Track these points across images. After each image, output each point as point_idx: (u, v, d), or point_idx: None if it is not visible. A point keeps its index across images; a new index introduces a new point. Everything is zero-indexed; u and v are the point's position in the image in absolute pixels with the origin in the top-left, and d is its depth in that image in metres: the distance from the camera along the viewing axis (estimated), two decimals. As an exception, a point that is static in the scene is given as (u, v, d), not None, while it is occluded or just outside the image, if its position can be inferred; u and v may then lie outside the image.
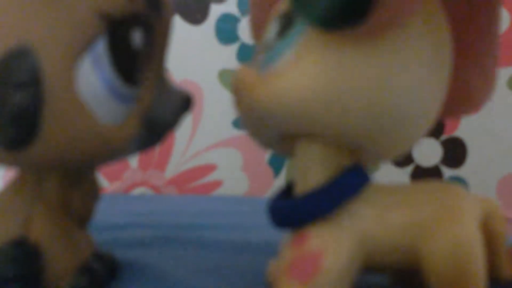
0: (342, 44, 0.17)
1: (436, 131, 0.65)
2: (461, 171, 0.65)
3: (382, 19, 0.16)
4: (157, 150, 0.67)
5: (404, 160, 0.66)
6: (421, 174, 0.66)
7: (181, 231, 0.36)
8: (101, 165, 0.23)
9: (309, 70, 0.17)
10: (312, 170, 0.19)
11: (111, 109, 0.20)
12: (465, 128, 0.64)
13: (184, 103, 0.23)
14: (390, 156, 0.20)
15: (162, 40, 0.22)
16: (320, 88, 0.17)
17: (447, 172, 0.65)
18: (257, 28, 0.22)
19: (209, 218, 0.43)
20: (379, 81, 0.17)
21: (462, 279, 0.17)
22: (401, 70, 0.17)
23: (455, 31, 0.19)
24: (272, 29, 0.19)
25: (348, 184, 0.19)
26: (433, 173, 0.66)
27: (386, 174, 0.65)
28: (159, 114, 0.22)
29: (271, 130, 0.19)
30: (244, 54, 0.65)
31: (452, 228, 0.18)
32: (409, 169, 0.66)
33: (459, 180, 0.64)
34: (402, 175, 0.66)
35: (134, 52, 0.20)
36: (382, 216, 0.19)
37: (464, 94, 0.21)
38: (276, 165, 0.68)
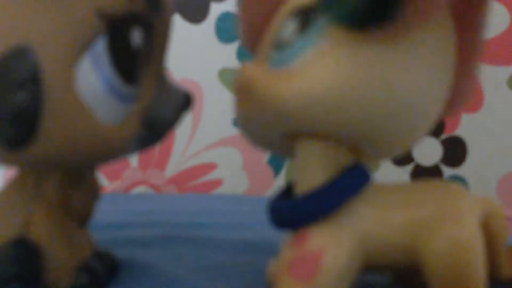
0: (365, 43, 0.17)
1: (436, 130, 0.65)
2: (461, 170, 0.65)
3: (411, 17, 0.16)
4: (157, 149, 0.67)
5: (404, 159, 0.66)
6: (421, 173, 0.66)
7: (181, 230, 0.36)
8: (101, 165, 0.23)
9: (331, 69, 0.17)
10: (312, 170, 0.19)
11: (111, 109, 0.20)
12: (465, 127, 0.64)
13: (184, 102, 0.23)
14: (391, 155, 0.20)
15: (162, 40, 0.22)
16: (341, 87, 0.17)
17: (447, 171, 0.65)
18: (251, 29, 0.22)
19: (209, 217, 0.43)
20: (397, 81, 0.17)
21: (462, 279, 0.17)
22: (415, 71, 0.17)
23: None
24: (287, 26, 0.19)
25: (349, 183, 0.19)
26: (433, 172, 0.66)
27: (386, 173, 0.65)
28: (159, 113, 0.22)
29: (277, 128, 0.19)
30: (244, 53, 0.65)
31: (452, 228, 0.18)
32: (409, 168, 0.66)
33: (459, 179, 0.64)
34: (402, 174, 0.66)
35: (134, 51, 0.20)
36: (382, 216, 0.19)
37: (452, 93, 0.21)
38: (276, 164, 0.68)
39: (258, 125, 0.19)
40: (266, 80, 0.18)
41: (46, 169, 0.22)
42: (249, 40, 0.22)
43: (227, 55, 0.66)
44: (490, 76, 0.58)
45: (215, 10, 0.67)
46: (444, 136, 0.65)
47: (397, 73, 0.17)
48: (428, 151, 0.66)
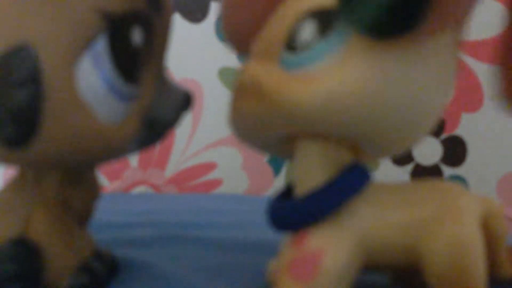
0: (386, 50, 0.17)
1: (436, 130, 0.65)
2: (461, 170, 0.65)
3: (433, 26, 0.15)
4: (157, 148, 0.67)
5: (404, 159, 0.66)
6: (421, 172, 0.66)
7: (181, 229, 0.36)
8: (101, 164, 0.23)
9: (352, 75, 0.17)
10: (311, 170, 0.19)
11: (111, 108, 0.20)
12: (465, 127, 0.64)
13: (184, 101, 0.23)
14: (391, 154, 0.20)
15: (162, 39, 0.22)
16: (361, 92, 0.17)
17: (447, 171, 0.66)
18: (241, 27, 0.21)
19: (209, 216, 0.43)
20: (413, 87, 0.17)
21: (462, 279, 0.17)
22: (429, 75, 0.18)
23: None
24: (304, 28, 0.18)
25: (348, 183, 0.19)
26: (433, 172, 0.66)
27: (386, 173, 0.65)
28: (159, 112, 0.22)
29: (284, 129, 0.19)
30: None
31: (452, 228, 0.18)
32: (409, 167, 0.66)
33: (459, 179, 0.64)
34: (402, 173, 0.66)
35: (134, 50, 0.20)
36: (382, 216, 0.19)
37: None
38: (275, 164, 0.68)
39: (263, 125, 0.19)
40: (280, 82, 0.18)
41: (46, 169, 0.22)
42: (237, 37, 0.22)
43: (227, 54, 0.66)
44: (490, 75, 0.58)
45: (215, 9, 0.67)
46: (444, 135, 0.65)
47: (414, 78, 0.17)
48: (428, 151, 0.66)
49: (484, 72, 0.63)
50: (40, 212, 0.21)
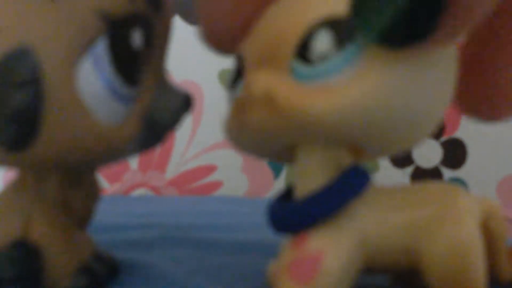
0: (404, 62, 0.17)
1: (436, 132, 0.65)
2: (461, 172, 0.65)
3: (445, 35, 0.15)
4: (157, 151, 0.67)
5: (404, 161, 0.66)
6: (421, 175, 0.66)
7: (181, 232, 0.36)
8: (102, 166, 0.23)
9: (375, 86, 0.17)
10: (312, 172, 0.19)
11: (111, 109, 0.20)
12: (465, 129, 0.64)
13: (184, 103, 0.23)
14: (391, 154, 0.20)
15: (163, 41, 0.22)
16: (384, 104, 0.17)
17: (447, 173, 0.65)
18: (225, 32, 0.21)
19: (209, 219, 0.43)
20: (425, 95, 0.18)
21: (462, 280, 0.17)
22: (437, 82, 0.18)
23: (502, 29, 0.19)
24: (319, 39, 0.17)
25: (349, 186, 0.19)
26: (433, 174, 0.66)
27: (386, 175, 0.65)
28: (159, 114, 0.22)
29: (293, 139, 0.19)
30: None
31: (452, 229, 0.18)
32: (409, 170, 0.66)
33: (459, 182, 0.64)
34: (402, 176, 0.66)
35: (134, 52, 0.20)
36: (382, 217, 0.19)
37: (502, 101, 0.21)
38: (275, 166, 0.68)
39: (272, 136, 0.19)
40: (296, 95, 0.17)
41: (46, 170, 0.22)
42: (221, 39, 0.21)
43: (227, 56, 0.66)
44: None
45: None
46: (444, 138, 0.65)
47: (424, 85, 0.17)
48: (428, 153, 0.66)
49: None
50: (40, 214, 0.21)
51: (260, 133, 0.19)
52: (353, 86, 0.17)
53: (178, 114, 0.23)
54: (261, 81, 0.18)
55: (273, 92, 0.18)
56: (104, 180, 0.65)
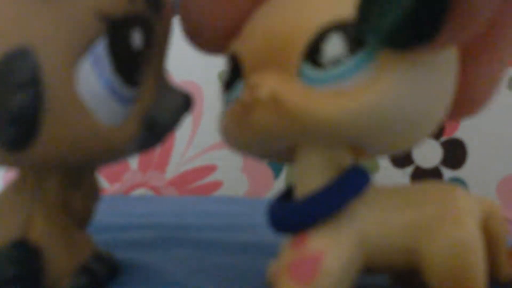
0: (415, 66, 0.17)
1: (436, 133, 0.65)
2: (461, 173, 0.65)
3: (450, 37, 0.15)
4: (157, 151, 0.67)
5: (404, 161, 0.66)
6: (421, 175, 0.66)
7: (181, 231, 0.36)
8: (102, 166, 0.23)
9: (385, 94, 0.17)
10: (312, 172, 0.19)
11: (111, 110, 0.20)
12: (465, 129, 0.64)
13: (184, 103, 0.23)
14: (393, 152, 0.20)
15: (163, 41, 0.22)
16: (398, 107, 0.17)
17: (447, 173, 0.65)
18: (216, 31, 0.21)
19: (209, 219, 0.43)
20: (431, 96, 0.18)
21: (462, 280, 0.17)
22: (441, 82, 0.18)
23: (477, 39, 0.19)
24: (330, 43, 0.17)
25: (349, 186, 0.19)
26: (433, 174, 0.66)
27: (386, 175, 0.65)
28: (159, 114, 0.22)
29: (297, 141, 0.19)
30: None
31: (452, 229, 0.18)
32: (409, 170, 0.66)
33: (459, 182, 0.64)
34: (402, 176, 0.66)
35: (134, 52, 0.20)
36: (382, 217, 0.19)
37: (469, 96, 0.21)
38: (276, 166, 0.68)
39: (277, 138, 0.19)
40: (307, 99, 0.17)
41: (46, 171, 0.22)
42: (209, 37, 0.21)
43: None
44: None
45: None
46: (444, 138, 0.65)
47: (431, 86, 0.17)
48: (428, 153, 0.66)
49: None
50: (40, 214, 0.21)
51: (265, 135, 0.19)
52: (365, 91, 0.17)
53: (178, 114, 0.23)
54: (268, 83, 0.18)
55: (281, 96, 0.18)
56: (104, 180, 0.65)
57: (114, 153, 0.21)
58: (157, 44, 0.22)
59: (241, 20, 0.20)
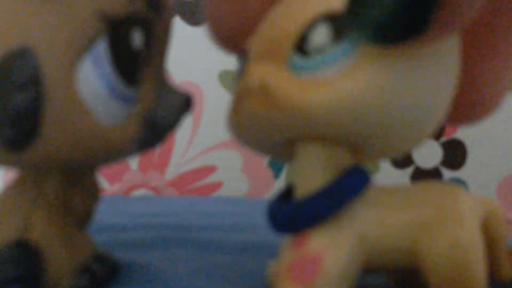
0: (397, 58, 0.17)
1: (436, 133, 0.65)
2: (461, 173, 0.65)
3: (440, 31, 0.15)
4: (157, 151, 0.67)
5: (404, 162, 0.66)
6: (421, 175, 0.66)
7: (181, 232, 0.36)
8: (102, 166, 0.23)
9: (366, 80, 0.17)
10: (312, 172, 0.19)
11: (112, 110, 0.20)
12: (465, 130, 0.64)
13: (185, 103, 0.23)
14: (391, 156, 0.20)
15: (163, 41, 0.22)
16: (375, 98, 0.17)
17: (447, 174, 0.65)
18: (233, 29, 0.21)
19: (209, 219, 0.43)
20: (422, 93, 0.17)
21: (462, 280, 0.17)
22: (435, 81, 0.18)
23: (478, 36, 0.19)
24: (316, 32, 0.18)
25: (349, 186, 0.19)
26: (433, 174, 0.66)
27: (386, 176, 0.65)
28: (160, 114, 0.22)
29: (289, 132, 0.19)
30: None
31: (452, 229, 0.18)
32: (409, 170, 0.66)
33: (459, 182, 0.64)
34: (402, 176, 0.66)
35: (135, 52, 0.20)
36: (382, 217, 0.19)
37: (476, 98, 0.21)
38: (276, 166, 0.68)
39: (268, 129, 0.19)
40: (290, 87, 0.18)
41: (47, 171, 0.22)
42: (229, 36, 0.22)
43: (227, 57, 0.66)
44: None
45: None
46: (444, 138, 0.65)
47: (420, 83, 0.17)
48: (428, 154, 0.66)
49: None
50: (40, 214, 0.21)
51: (256, 124, 0.19)
52: (345, 80, 0.17)
53: (178, 114, 0.23)
54: (258, 72, 0.19)
55: (269, 84, 0.18)
56: (104, 180, 0.65)
57: (114, 153, 0.21)
58: (157, 44, 0.22)
59: (256, 19, 0.21)
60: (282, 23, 0.19)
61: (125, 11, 0.19)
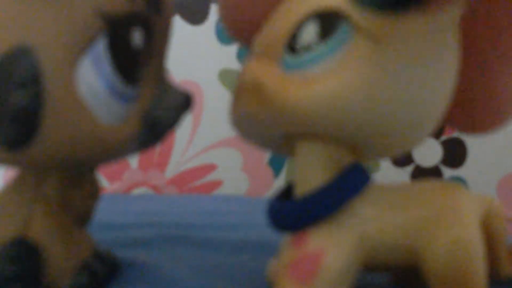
0: (386, 55, 0.17)
1: (436, 132, 0.65)
2: (461, 171, 0.65)
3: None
4: (157, 150, 0.67)
5: (404, 160, 0.66)
6: (421, 174, 0.66)
7: (181, 230, 0.36)
8: (102, 165, 0.23)
9: (354, 77, 0.17)
10: (312, 170, 0.19)
11: (111, 109, 0.20)
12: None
13: (184, 102, 0.23)
14: (390, 155, 0.20)
15: (162, 40, 0.22)
16: (360, 97, 0.17)
17: (447, 172, 0.65)
18: (244, 20, 0.21)
19: (209, 218, 0.43)
20: (414, 91, 0.17)
21: (462, 279, 0.17)
22: (430, 80, 0.18)
23: (494, 41, 0.19)
24: (306, 30, 0.18)
25: (349, 184, 0.19)
26: (433, 173, 0.66)
27: (386, 174, 0.65)
28: (159, 113, 0.22)
29: (282, 129, 0.19)
30: (244, 54, 0.65)
31: (452, 228, 0.18)
32: (409, 169, 0.66)
33: (459, 181, 0.64)
34: (402, 175, 0.66)
35: (134, 51, 0.20)
36: (382, 216, 0.19)
37: (493, 105, 0.21)
38: (276, 165, 0.68)
39: (263, 125, 0.19)
40: (280, 84, 0.18)
41: (46, 170, 0.22)
42: (238, 28, 0.22)
43: (227, 56, 0.66)
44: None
45: (216, 11, 0.67)
46: (444, 137, 0.65)
47: (413, 81, 0.17)
48: (428, 152, 0.66)
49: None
50: (40, 213, 0.21)
51: (251, 121, 0.19)
52: (331, 77, 0.17)
53: (178, 113, 0.23)
54: (252, 69, 0.19)
55: (261, 82, 0.18)
56: (104, 179, 0.65)
57: (114, 152, 0.21)
58: (157, 43, 0.22)
59: (269, 12, 0.21)
60: (280, 21, 0.19)
61: (125, 10, 0.19)
